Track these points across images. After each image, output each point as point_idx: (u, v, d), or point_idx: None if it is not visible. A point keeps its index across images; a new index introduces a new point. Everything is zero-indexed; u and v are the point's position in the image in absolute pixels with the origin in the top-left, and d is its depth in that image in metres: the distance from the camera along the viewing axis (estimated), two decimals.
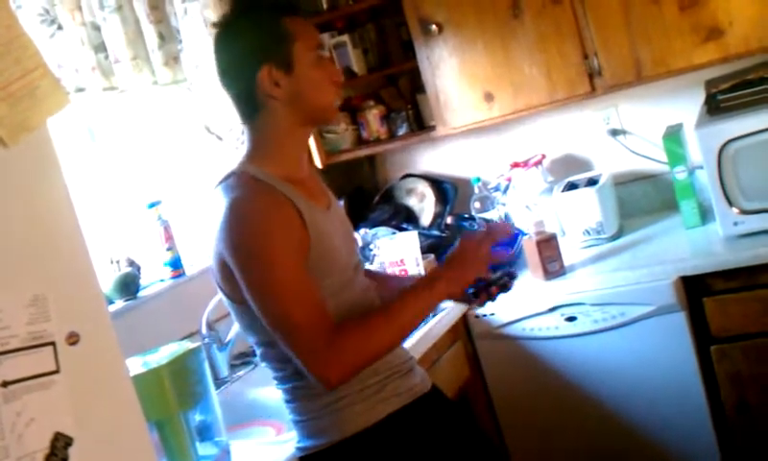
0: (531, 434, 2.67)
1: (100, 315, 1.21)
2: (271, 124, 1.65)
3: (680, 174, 2.60)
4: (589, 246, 2.76)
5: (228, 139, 2.60)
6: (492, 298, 1.79)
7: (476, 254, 1.66)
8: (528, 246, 2.59)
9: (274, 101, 1.63)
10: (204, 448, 1.84)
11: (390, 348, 1.61)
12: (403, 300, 1.62)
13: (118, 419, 1.21)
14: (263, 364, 1.75)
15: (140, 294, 2.38)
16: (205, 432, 1.86)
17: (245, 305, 1.62)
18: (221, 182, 1.64)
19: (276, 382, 1.73)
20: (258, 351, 1.72)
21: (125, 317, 2.26)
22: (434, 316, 2.49)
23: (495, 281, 1.78)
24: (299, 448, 1.72)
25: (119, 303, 2.31)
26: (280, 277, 1.52)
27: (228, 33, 1.67)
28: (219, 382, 2.36)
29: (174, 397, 1.75)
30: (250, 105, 1.65)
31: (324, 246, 1.61)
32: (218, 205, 1.59)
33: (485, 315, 2.61)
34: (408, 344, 2.18)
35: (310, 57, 1.64)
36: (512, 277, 1.80)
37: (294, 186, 1.63)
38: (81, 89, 2.18)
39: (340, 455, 1.66)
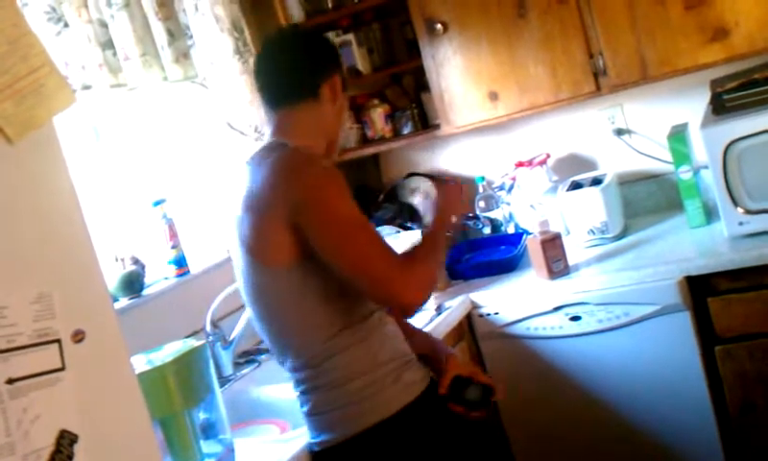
0: (534, 433, 2.66)
1: (105, 313, 1.21)
2: (314, 114, 1.77)
3: (685, 174, 2.59)
4: (594, 245, 2.75)
5: (251, 135, 2.60)
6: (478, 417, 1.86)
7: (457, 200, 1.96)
8: (532, 245, 2.58)
9: (326, 101, 1.77)
10: (208, 446, 1.84)
11: (437, 270, 1.80)
12: (425, 240, 1.85)
13: (123, 416, 1.21)
14: (280, 359, 1.76)
15: (145, 292, 2.39)
16: (210, 430, 1.87)
17: (282, 268, 1.65)
18: (256, 155, 1.72)
19: (294, 374, 1.73)
20: (278, 338, 1.73)
21: (129, 315, 2.27)
22: (438, 315, 2.50)
23: (474, 404, 1.84)
24: (315, 443, 1.72)
25: (123, 301, 2.32)
26: (353, 217, 1.64)
27: (313, 33, 1.93)
28: (223, 380, 2.37)
29: (178, 394, 1.76)
30: (304, 87, 1.76)
31: None
32: (260, 167, 1.66)
33: (488, 314, 2.61)
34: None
35: (345, 96, 1.86)
36: (489, 394, 1.87)
37: None
38: (87, 87, 2.17)
39: (356, 449, 1.67)
